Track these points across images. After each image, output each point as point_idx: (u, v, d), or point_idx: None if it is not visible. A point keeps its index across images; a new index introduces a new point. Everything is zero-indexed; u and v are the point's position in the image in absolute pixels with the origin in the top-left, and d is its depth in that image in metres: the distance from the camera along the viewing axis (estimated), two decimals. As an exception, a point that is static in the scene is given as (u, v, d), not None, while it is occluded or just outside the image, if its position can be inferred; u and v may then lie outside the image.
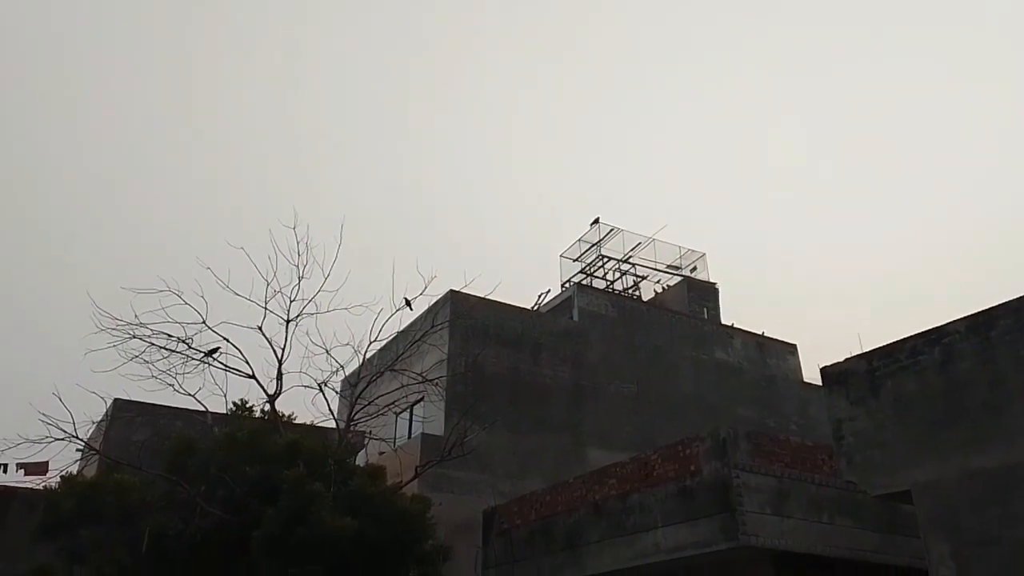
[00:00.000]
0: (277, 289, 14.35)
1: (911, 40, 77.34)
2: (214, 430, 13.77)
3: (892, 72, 76.80)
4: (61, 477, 13.18)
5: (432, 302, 18.80)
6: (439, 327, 17.34)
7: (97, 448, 14.29)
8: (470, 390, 18.01)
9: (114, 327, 13.22)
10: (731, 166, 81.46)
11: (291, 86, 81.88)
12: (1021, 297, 8.29)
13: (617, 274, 26.57)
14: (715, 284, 26.75)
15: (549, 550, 13.64)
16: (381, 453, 16.41)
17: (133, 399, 16.31)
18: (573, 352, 21.23)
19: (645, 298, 26.09)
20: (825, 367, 9.89)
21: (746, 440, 11.36)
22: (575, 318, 22.10)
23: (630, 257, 26.72)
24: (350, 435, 14.53)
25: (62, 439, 12.43)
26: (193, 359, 13.73)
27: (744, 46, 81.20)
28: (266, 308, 14.26)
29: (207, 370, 13.84)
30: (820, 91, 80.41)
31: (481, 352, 18.88)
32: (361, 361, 15.09)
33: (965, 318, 8.67)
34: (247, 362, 13.94)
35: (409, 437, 18.83)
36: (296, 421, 14.57)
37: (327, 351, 14.34)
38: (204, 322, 13.78)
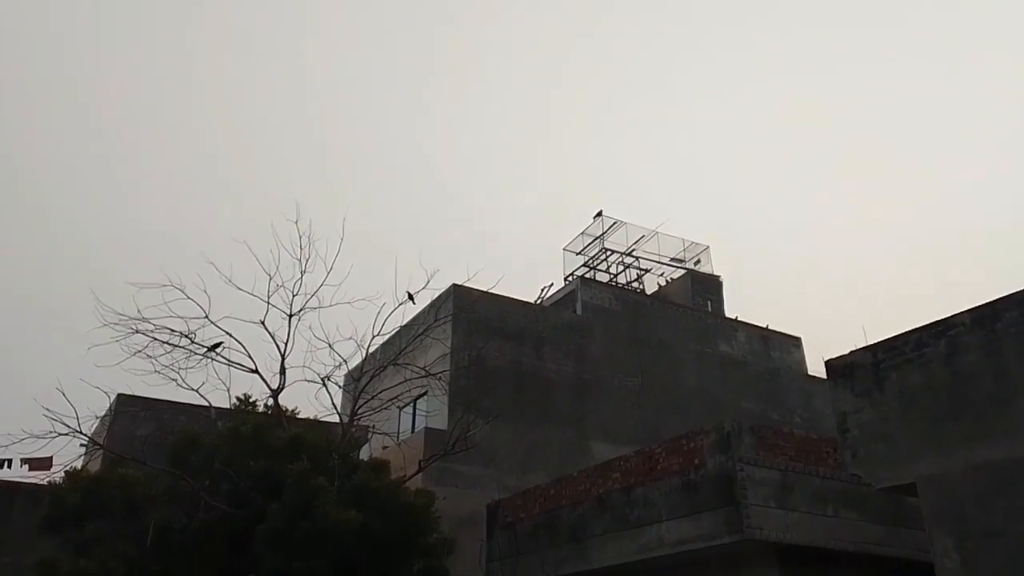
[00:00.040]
0: (280, 283, 14.34)
1: (911, 40, 77.05)
2: (218, 425, 13.76)
3: (892, 72, 76.52)
4: (65, 472, 13.17)
5: (435, 296, 18.82)
6: (442, 321, 17.34)
7: (101, 443, 14.29)
8: (473, 384, 17.98)
9: (117, 322, 13.22)
10: (734, 160, 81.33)
11: (296, 81, 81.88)
12: (1027, 289, 8.26)
13: (620, 267, 26.50)
14: (719, 277, 26.65)
15: (553, 543, 13.65)
16: (385, 447, 16.41)
17: (137, 394, 16.35)
18: (577, 346, 21.19)
19: (649, 291, 26.02)
20: (830, 360, 9.88)
21: (750, 433, 11.33)
22: (579, 312, 22.06)
23: (633, 250, 26.63)
24: (354, 429, 14.51)
25: (66, 434, 12.40)
26: (196, 354, 13.74)
27: (747, 44, 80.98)
28: (269, 302, 14.25)
29: (210, 365, 13.86)
30: (820, 91, 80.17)
31: (484, 346, 18.88)
32: (364, 355, 15.11)
33: (970, 310, 8.63)
34: (250, 357, 13.97)
35: (413, 431, 18.84)
36: (300, 416, 14.55)
37: (330, 345, 14.34)
38: (207, 317, 13.81)
